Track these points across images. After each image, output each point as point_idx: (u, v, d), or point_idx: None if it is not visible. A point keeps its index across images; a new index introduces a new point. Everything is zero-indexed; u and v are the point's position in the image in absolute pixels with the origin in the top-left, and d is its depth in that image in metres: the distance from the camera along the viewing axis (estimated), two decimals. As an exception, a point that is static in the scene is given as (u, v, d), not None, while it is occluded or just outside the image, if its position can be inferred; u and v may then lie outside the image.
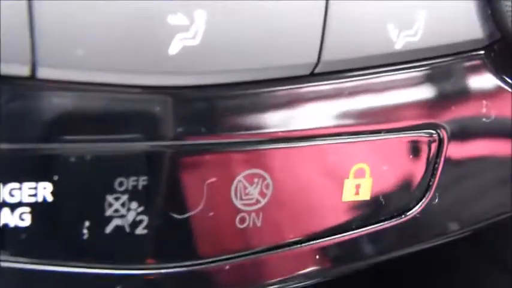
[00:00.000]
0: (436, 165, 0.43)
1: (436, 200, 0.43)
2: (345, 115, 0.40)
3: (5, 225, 0.36)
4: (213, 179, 0.39)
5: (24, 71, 0.34)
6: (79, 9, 0.34)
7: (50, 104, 0.35)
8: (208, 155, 0.38)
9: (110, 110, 0.36)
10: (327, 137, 0.40)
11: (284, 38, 0.37)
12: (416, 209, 0.43)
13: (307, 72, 0.39)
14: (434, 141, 0.42)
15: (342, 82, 0.40)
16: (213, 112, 0.38)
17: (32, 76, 0.34)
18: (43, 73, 0.35)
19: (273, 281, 0.42)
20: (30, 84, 0.35)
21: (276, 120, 0.39)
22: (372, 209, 0.42)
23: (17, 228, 0.36)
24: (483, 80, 0.43)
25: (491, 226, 0.47)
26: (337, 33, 0.38)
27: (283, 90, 0.39)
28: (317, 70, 0.39)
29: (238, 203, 0.40)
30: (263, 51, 0.37)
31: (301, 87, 0.39)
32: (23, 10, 0.33)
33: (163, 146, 0.37)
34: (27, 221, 0.36)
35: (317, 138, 0.40)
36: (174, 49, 0.35)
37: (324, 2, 0.37)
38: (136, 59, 0.35)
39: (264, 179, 0.40)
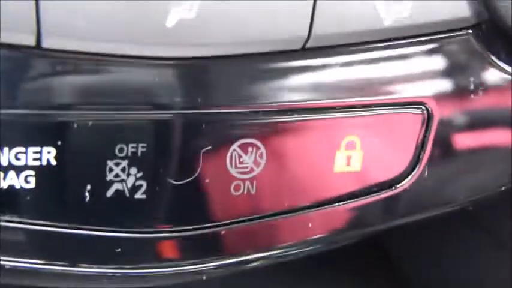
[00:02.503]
0: (426, 140, 0.44)
1: (426, 174, 0.45)
2: (335, 89, 0.42)
3: (11, 187, 0.38)
4: (209, 147, 0.41)
5: (30, 40, 0.37)
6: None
7: (55, 72, 0.38)
8: (204, 125, 0.40)
9: (109, 79, 0.38)
10: (318, 110, 0.42)
11: (277, 13, 0.39)
12: (407, 181, 0.44)
13: (299, 46, 0.40)
14: (423, 116, 0.44)
15: (332, 57, 0.41)
16: (209, 83, 0.40)
17: (38, 45, 0.37)
18: (48, 43, 0.37)
19: (267, 247, 0.44)
20: (36, 53, 0.37)
21: (269, 93, 0.41)
22: (363, 181, 0.44)
23: (22, 190, 0.38)
24: (470, 58, 0.44)
25: (484, 200, 0.48)
26: (327, 10, 0.39)
27: (275, 64, 0.41)
28: (308, 45, 0.40)
29: (233, 171, 0.41)
30: (256, 25, 0.39)
31: (292, 61, 0.41)
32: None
33: (161, 114, 0.39)
34: (32, 184, 0.38)
35: (309, 111, 0.42)
36: (171, 22, 0.37)
37: (315, -21, 0.39)
38: (136, 31, 0.37)
39: (258, 148, 0.41)
